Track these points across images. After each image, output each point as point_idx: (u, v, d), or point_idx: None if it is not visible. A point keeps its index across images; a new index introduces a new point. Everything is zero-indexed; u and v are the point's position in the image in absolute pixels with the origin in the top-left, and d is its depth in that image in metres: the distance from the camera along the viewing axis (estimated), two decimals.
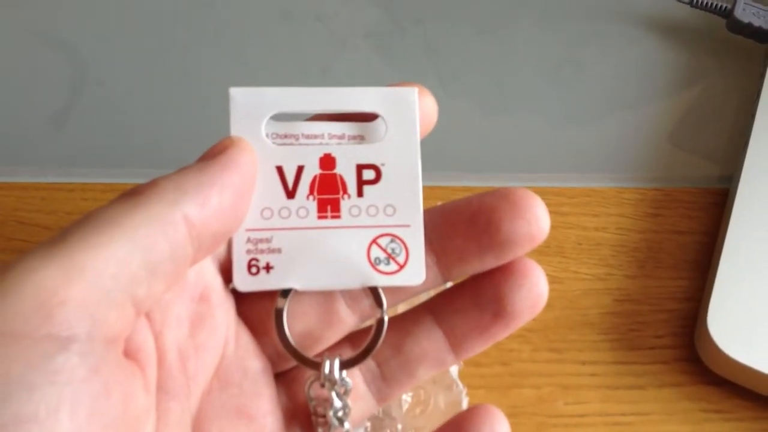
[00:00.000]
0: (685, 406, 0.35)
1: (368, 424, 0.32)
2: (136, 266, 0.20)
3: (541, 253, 0.38)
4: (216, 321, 0.24)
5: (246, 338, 0.25)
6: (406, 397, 0.33)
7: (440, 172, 0.40)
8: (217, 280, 0.24)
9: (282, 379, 0.26)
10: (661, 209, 0.40)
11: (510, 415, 0.35)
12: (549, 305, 0.37)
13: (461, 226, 0.25)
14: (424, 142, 0.42)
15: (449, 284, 0.26)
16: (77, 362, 0.18)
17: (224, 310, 0.24)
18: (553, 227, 0.39)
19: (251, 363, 0.25)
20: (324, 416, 0.25)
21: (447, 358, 0.26)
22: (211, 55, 0.44)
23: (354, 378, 0.25)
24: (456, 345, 0.25)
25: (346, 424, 0.25)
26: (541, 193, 0.40)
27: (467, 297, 0.25)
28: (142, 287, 0.20)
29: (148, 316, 0.22)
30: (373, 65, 0.44)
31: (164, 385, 0.22)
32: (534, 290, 0.25)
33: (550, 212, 0.40)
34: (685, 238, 0.39)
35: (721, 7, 0.43)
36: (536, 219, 0.24)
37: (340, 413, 0.24)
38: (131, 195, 0.21)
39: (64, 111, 0.42)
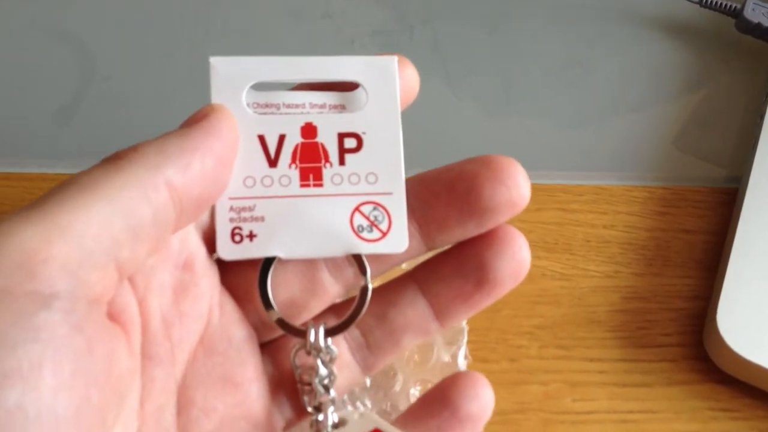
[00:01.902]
0: (693, 405, 0.35)
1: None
2: (118, 229, 0.20)
3: (549, 250, 0.38)
4: (200, 289, 0.24)
5: (230, 307, 0.25)
6: (414, 391, 0.33)
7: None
8: (201, 250, 0.24)
9: (267, 348, 0.26)
10: (670, 208, 0.40)
11: (517, 412, 0.35)
12: (557, 302, 0.38)
13: (442, 194, 0.25)
14: (432, 140, 0.42)
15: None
16: (59, 319, 0.19)
17: (208, 278, 0.24)
18: (561, 224, 0.40)
19: (236, 332, 0.25)
20: (309, 384, 0.25)
21: (431, 326, 0.26)
22: (218, 51, 0.44)
23: (339, 347, 0.25)
24: (440, 313, 0.26)
25: (332, 392, 0.25)
26: (549, 190, 0.41)
27: (450, 265, 0.25)
28: (125, 250, 0.20)
29: (131, 281, 0.22)
30: None
31: (148, 351, 0.22)
32: (516, 257, 0.25)
33: (559, 210, 0.40)
34: (693, 236, 0.39)
35: (730, 7, 0.43)
36: (516, 185, 0.24)
37: (325, 381, 0.25)
38: (113, 159, 0.21)
39: (72, 105, 0.42)
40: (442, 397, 0.25)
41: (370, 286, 0.25)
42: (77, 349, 0.19)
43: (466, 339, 0.34)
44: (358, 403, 0.32)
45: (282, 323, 0.24)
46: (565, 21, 0.46)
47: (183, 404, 0.23)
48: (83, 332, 0.19)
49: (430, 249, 0.26)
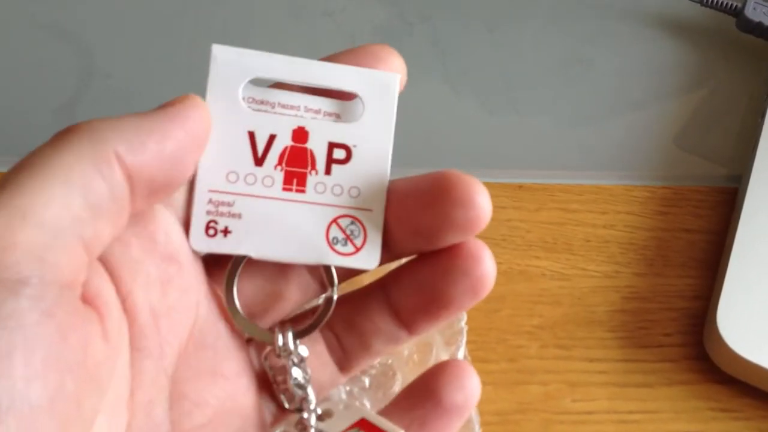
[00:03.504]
0: (693, 405, 0.35)
1: None
2: (78, 207, 0.20)
3: (549, 250, 0.38)
4: (186, 282, 0.24)
5: (218, 301, 0.25)
6: None
7: (447, 168, 0.40)
8: (185, 243, 0.24)
9: (253, 341, 0.26)
10: (670, 207, 0.40)
11: (517, 412, 0.35)
12: (557, 302, 0.38)
13: (411, 205, 0.24)
14: (432, 138, 0.42)
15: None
16: (28, 306, 0.18)
17: (194, 271, 0.24)
18: (561, 224, 0.40)
19: (224, 325, 0.25)
20: (285, 383, 0.25)
21: (400, 334, 0.25)
22: None
23: (318, 346, 0.25)
24: (406, 324, 0.25)
25: (309, 390, 0.25)
26: (549, 190, 0.40)
27: (411, 278, 0.25)
28: (89, 228, 0.20)
29: (117, 275, 0.22)
30: None
31: (137, 344, 0.22)
32: (475, 274, 0.24)
33: (559, 209, 0.40)
34: (693, 236, 0.39)
35: (731, 6, 0.43)
36: (475, 206, 0.23)
37: (300, 380, 0.25)
38: (63, 134, 0.21)
39: (71, 103, 0.42)
40: (426, 387, 0.25)
41: (335, 298, 0.25)
42: (49, 336, 0.18)
43: (465, 339, 0.34)
44: (357, 403, 0.32)
45: (248, 327, 0.24)
46: (566, 19, 0.46)
47: (175, 398, 0.23)
48: (55, 318, 0.19)
49: (394, 258, 0.25)
